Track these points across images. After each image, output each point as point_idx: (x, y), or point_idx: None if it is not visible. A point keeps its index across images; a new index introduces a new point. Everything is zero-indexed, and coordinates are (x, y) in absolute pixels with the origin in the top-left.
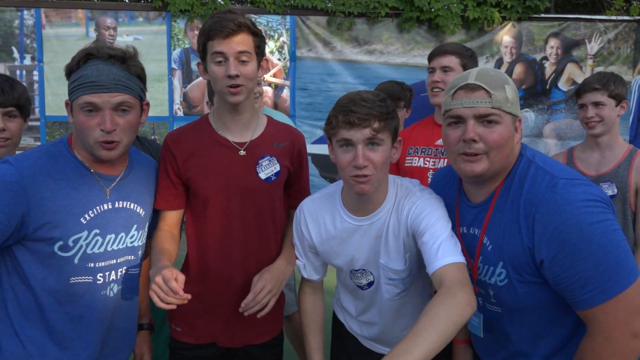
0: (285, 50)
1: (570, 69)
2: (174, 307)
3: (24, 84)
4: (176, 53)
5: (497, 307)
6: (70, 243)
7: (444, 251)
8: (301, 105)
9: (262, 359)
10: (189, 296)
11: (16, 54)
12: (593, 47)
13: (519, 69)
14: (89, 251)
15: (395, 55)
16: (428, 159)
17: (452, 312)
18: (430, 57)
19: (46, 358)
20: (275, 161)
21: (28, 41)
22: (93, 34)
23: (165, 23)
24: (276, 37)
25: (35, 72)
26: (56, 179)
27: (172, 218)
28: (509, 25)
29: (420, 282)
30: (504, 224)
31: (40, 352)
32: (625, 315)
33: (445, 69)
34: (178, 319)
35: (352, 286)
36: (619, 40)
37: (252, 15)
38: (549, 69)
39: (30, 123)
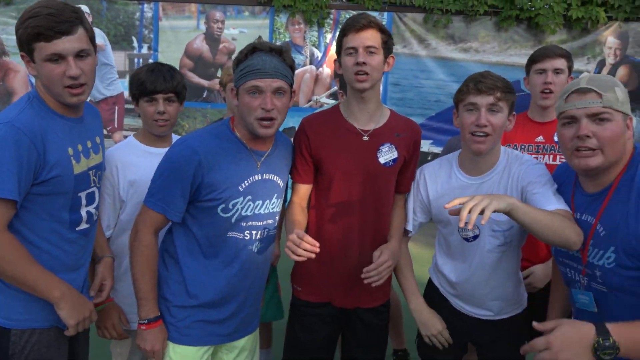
0: None
1: None
2: (304, 258)
3: None
4: None
5: (602, 287)
6: (230, 206)
7: (559, 201)
8: (392, 100)
9: (370, 321)
10: (317, 249)
11: (135, 43)
12: None
13: (622, 72)
14: (243, 213)
15: (490, 53)
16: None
17: (570, 224)
18: (538, 59)
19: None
20: (394, 149)
21: (146, 32)
22: (203, 27)
23: (269, 17)
24: None
25: (151, 60)
26: (222, 155)
27: (303, 192)
28: (615, 25)
29: (516, 243)
30: (620, 215)
31: (197, 287)
32: None
33: (557, 71)
34: (300, 280)
35: (457, 240)
36: None
37: (351, 11)
38: None
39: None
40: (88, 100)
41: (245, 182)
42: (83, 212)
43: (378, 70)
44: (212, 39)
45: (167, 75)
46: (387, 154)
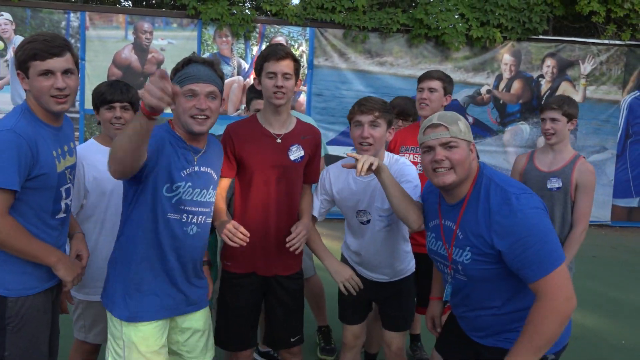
0: (304, 58)
1: (565, 87)
2: (238, 245)
3: None
4: (205, 57)
5: (463, 277)
6: (174, 187)
7: (415, 194)
8: (316, 109)
9: (288, 285)
10: (248, 238)
11: None
12: (586, 67)
13: (517, 85)
14: (183, 197)
15: (404, 67)
16: (417, 155)
17: (415, 209)
18: (420, 80)
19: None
20: (301, 148)
21: (72, 41)
22: (131, 37)
23: (197, 30)
24: (296, 46)
25: None
26: (169, 145)
27: (225, 184)
28: (509, 45)
29: (397, 225)
30: (472, 222)
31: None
32: (561, 283)
33: (432, 90)
34: (228, 257)
35: (356, 224)
36: (610, 63)
37: (276, 25)
38: (545, 86)
39: (70, 114)
40: (11, 108)
41: (186, 170)
42: (62, 203)
43: (291, 91)
44: (140, 49)
45: (123, 89)
46: (295, 153)
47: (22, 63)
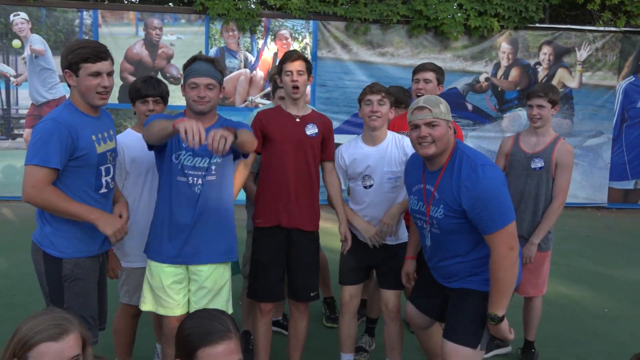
0: (308, 51)
1: (561, 73)
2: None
3: None
4: (212, 51)
5: (437, 230)
6: (176, 153)
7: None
8: (320, 99)
9: (307, 244)
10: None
11: None
12: (582, 54)
13: (514, 73)
14: (184, 162)
15: (404, 57)
16: None
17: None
18: (416, 71)
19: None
20: (315, 127)
21: (86, 38)
22: (142, 33)
23: (204, 25)
24: (300, 39)
25: None
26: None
27: (251, 158)
28: (506, 33)
29: (398, 189)
30: (447, 186)
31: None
32: (507, 237)
33: (427, 81)
34: (259, 214)
35: (361, 189)
36: (605, 49)
37: (280, 19)
38: (542, 73)
39: None
40: (30, 104)
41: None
42: (103, 180)
43: (304, 85)
44: (151, 44)
45: (155, 85)
46: (311, 129)
47: (74, 64)
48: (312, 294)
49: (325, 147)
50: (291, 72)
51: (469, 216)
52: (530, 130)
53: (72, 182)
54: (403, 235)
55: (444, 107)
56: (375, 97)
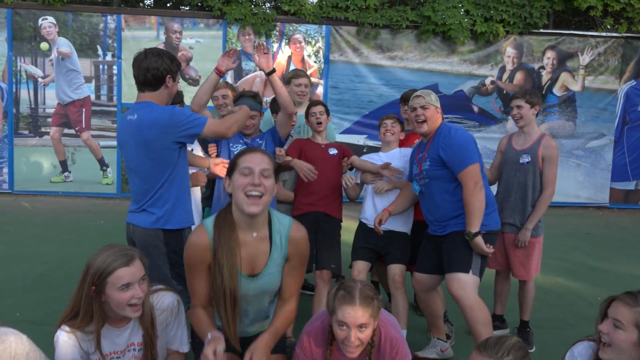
0: (321, 54)
1: (564, 77)
2: None
3: (105, 76)
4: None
5: (427, 179)
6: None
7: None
8: (332, 100)
9: (329, 226)
10: None
11: (100, 52)
12: (585, 59)
13: (519, 76)
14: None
15: (413, 61)
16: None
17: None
18: (406, 99)
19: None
20: (335, 149)
21: (110, 41)
22: (162, 37)
23: (222, 29)
24: (313, 43)
25: (115, 67)
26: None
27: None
28: (511, 39)
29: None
30: (432, 148)
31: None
32: (471, 174)
33: (424, 107)
34: (297, 208)
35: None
36: (608, 54)
37: (294, 24)
38: (545, 76)
39: (108, 108)
40: (56, 103)
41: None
42: None
43: (325, 122)
44: (171, 47)
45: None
46: (332, 151)
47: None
48: (333, 266)
49: (345, 156)
50: (315, 113)
51: (446, 164)
52: (520, 131)
53: None
54: (407, 226)
55: (434, 97)
56: (389, 121)
